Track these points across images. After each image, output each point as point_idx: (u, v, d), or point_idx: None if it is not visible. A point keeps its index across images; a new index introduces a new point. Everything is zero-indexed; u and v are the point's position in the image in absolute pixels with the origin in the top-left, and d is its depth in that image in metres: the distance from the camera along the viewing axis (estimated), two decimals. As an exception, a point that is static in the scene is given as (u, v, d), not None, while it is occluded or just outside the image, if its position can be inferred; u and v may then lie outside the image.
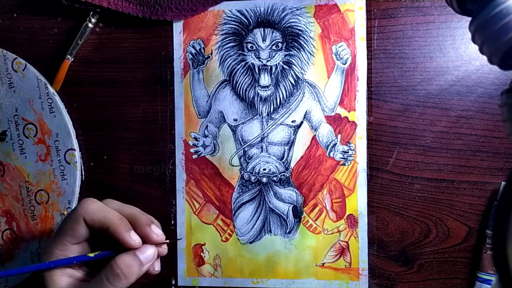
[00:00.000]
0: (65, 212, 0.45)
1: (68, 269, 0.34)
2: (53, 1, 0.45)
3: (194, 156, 0.44)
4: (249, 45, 0.43)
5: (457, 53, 0.41)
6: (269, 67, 0.43)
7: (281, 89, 0.43)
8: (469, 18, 0.26)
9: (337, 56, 0.42)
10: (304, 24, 0.43)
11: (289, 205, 0.43)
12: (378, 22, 0.42)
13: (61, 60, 0.44)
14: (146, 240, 0.33)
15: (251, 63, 0.43)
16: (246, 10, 0.43)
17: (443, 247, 0.42)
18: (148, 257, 0.33)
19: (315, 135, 0.43)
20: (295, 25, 0.43)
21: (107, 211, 0.33)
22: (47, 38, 0.46)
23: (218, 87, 0.44)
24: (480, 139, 0.41)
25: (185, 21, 0.44)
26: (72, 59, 0.44)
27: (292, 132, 0.43)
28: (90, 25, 0.44)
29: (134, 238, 0.33)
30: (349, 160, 0.42)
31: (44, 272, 0.34)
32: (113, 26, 0.45)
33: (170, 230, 0.44)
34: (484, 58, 0.25)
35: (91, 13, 0.43)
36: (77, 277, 0.34)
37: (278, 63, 0.43)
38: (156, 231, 0.34)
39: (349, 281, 0.42)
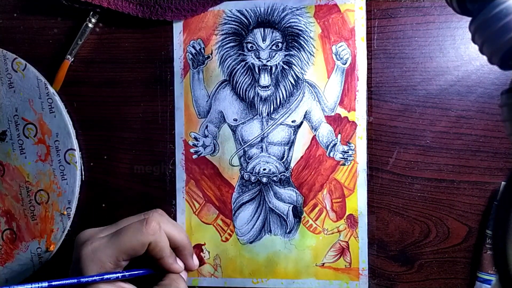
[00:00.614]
0: (65, 212, 0.45)
1: (120, 283, 0.34)
2: (53, 1, 0.45)
3: (194, 156, 0.44)
4: (249, 45, 0.43)
5: (457, 53, 0.41)
6: (269, 67, 0.43)
7: (281, 89, 0.43)
8: (469, 18, 0.26)
9: (337, 56, 0.42)
10: (304, 24, 0.43)
11: (289, 205, 0.43)
12: (378, 22, 0.42)
13: (61, 60, 0.44)
14: (186, 267, 0.38)
15: (251, 63, 0.43)
16: (246, 10, 0.43)
17: (443, 247, 0.42)
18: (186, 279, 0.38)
19: (315, 135, 0.43)
20: (295, 25, 0.43)
21: (165, 243, 0.35)
22: (47, 38, 0.46)
23: (218, 87, 0.44)
24: (480, 139, 0.41)
25: (185, 21, 0.44)
26: (72, 59, 0.44)
27: (292, 132, 0.43)
28: (90, 25, 0.44)
29: (181, 266, 0.37)
30: (349, 160, 0.42)
31: (90, 284, 0.33)
32: (113, 26, 0.45)
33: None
34: (484, 58, 0.25)
35: (91, 13, 0.43)
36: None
37: (278, 63, 0.43)
38: (196, 262, 0.40)
39: (349, 281, 0.42)
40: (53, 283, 0.32)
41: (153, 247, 0.34)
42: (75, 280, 0.32)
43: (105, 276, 0.33)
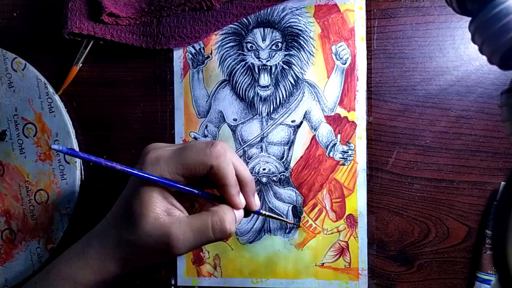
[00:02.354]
0: (65, 212, 0.45)
1: (171, 196, 0.34)
2: (53, 0, 0.45)
3: (194, 156, 0.44)
4: (249, 45, 0.43)
5: (457, 53, 0.41)
6: (268, 67, 0.43)
7: (280, 89, 0.43)
8: (469, 18, 0.26)
9: (337, 56, 0.42)
10: (304, 24, 0.43)
11: (289, 205, 0.43)
12: (378, 22, 0.42)
13: (61, 59, 0.44)
14: (247, 205, 0.37)
15: (251, 63, 0.43)
16: (246, 10, 0.43)
17: (443, 247, 0.42)
18: (239, 220, 0.36)
19: (315, 135, 0.43)
20: (295, 25, 0.43)
21: (231, 169, 0.34)
22: (47, 37, 0.45)
23: (217, 87, 0.44)
24: (479, 139, 0.41)
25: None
26: (81, 65, 0.44)
27: (292, 132, 0.43)
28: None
29: (241, 202, 0.36)
30: (349, 160, 0.42)
31: (143, 185, 0.33)
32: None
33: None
34: (484, 58, 0.25)
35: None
36: (175, 205, 0.34)
37: (278, 63, 0.43)
38: (257, 202, 0.38)
39: (349, 281, 0.42)
40: (118, 167, 0.32)
41: (216, 171, 0.33)
42: (137, 172, 0.32)
43: (163, 180, 0.32)
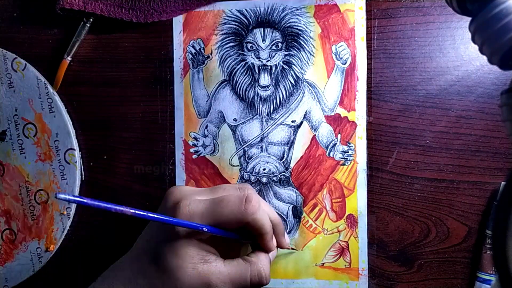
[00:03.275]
0: (65, 212, 0.45)
1: (206, 244, 0.33)
2: (53, 0, 0.45)
3: (194, 156, 0.44)
4: (249, 45, 0.43)
5: (457, 53, 0.41)
6: (269, 67, 0.43)
7: (281, 89, 0.43)
8: (469, 18, 0.26)
9: (337, 56, 0.42)
10: (304, 24, 0.43)
11: (289, 205, 0.43)
12: (378, 22, 0.42)
13: (61, 59, 0.44)
14: (278, 245, 0.38)
15: (251, 63, 0.43)
16: (246, 10, 0.43)
17: (443, 247, 0.42)
18: (272, 260, 0.37)
19: (315, 135, 0.43)
20: (295, 25, 0.43)
21: (266, 219, 0.34)
22: (47, 37, 0.46)
23: (218, 87, 0.44)
24: (480, 139, 0.41)
25: (185, 21, 0.44)
26: (71, 59, 0.44)
27: (292, 132, 0.43)
28: (87, 24, 0.44)
29: (274, 245, 0.37)
30: (349, 160, 0.42)
31: (176, 237, 0.32)
32: (113, 26, 0.45)
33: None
34: (484, 58, 0.25)
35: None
36: (210, 252, 0.33)
37: (278, 63, 0.43)
38: (287, 241, 0.40)
39: (349, 281, 0.42)
40: (152, 215, 0.29)
41: (252, 226, 0.33)
42: (176, 220, 0.31)
43: (202, 228, 0.31)
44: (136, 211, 0.29)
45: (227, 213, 0.33)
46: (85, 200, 0.27)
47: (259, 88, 0.43)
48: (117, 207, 0.28)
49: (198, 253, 0.32)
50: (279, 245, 0.39)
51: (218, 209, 0.33)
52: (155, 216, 0.30)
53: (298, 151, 0.43)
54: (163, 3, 0.42)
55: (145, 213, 0.29)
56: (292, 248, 0.42)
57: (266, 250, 0.36)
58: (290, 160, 0.43)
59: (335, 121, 0.43)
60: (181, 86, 0.44)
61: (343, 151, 0.42)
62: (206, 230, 0.32)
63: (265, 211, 0.35)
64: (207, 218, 0.32)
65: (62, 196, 0.25)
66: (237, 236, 0.35)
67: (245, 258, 0.35)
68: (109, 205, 0.28)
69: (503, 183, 0.41)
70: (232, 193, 0.34)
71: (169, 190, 0.35)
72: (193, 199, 0.33)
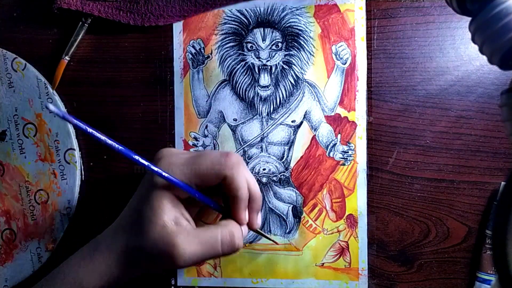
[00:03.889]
0: (65, 212, 0.45)
1: (181, 206, 0.33)
2: (52, 0, 0.45)
3: (194, 156, 0.44)
4: (249, 45, 0.43)
5: (457, 53, 0.41)
6: (269, 67, 0.43)
7: (281, 89, 0.43)
8: (469, 18, 0.26)
9: (337, 56, 0.42)
10: (304, 24, 0.43)
11: (289, 205, 0.43)
12: (378, 22, 0.42)
13: (61, 59, 0.44)
14: (248, 222, 0.36)
15: (251, 63, 0.43)
16: (246, 10, 0.43)
17: (443, 247, 0.42)
18: (245, 236, 0.36)
19: (315, 135, 0.43)
20: (295, 25, 0.43)
21: (243, 182, 0.34)
22: (47, 37, 0.46)
23: (218, 87, 0.44)
24: (480, 139, 0.41)
25: (185, 21, 0.44)
26: (69, 59, 0.44)
27: (292, 132, 0.43)
28: (85, 24, 0.44)
29: (246, 218, 0.35)
30: (349, 160, 0.42)
31: (155, 189, 0.32)
32: (113, 26, 0.45)
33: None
34: (484, 58, 0.25)
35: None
36: (184, 215, 0.33)
37: (278, 63, 0.43)
38: (259, 221, 0.38)
39: (349, 281, 0.42)
40: (135, 156, 0.31)
41: (229, 182, 0.33)
42: (152, 166, 0.31)
43: (177, 181, 0.31)
44: (121, 146, 0.30)
45: (206, 164, 0.33)
46: (75, 121, 0.29)
47: (259, 88, 0.43)
48: (103, 137, 0.30)
49: (171, 211, 0.32)
50: (250, 223, 0.36)
51: (198, 161, 0.33)
52: (139, 159, 0.31)
53: (298, 151, 0.43)
54: (160, 8, 0.43)
55: (129, 152, 0.31)
56: (266, 237, 0.41)
57: (237, 220, 0.35)
58: (290, 160, 0.43)
59: (335, 121, 0.43)
60: (181, 86, 0.44)
61: (343, 151, 0.42)
62: (179, 183, 0.32)
63: (245, 176, 0.34)
64: (187, 168, 0.32)
65: (52, 108, 0.27)
66: (211, 203, 0.35)
67: (216, 223, 0.35)
68: (112, 143, 0.30)
69: (503, 183, 0.41)
70: (215, 151, 0.35)
71: (159, 151, 0.36)
72: (177, 154, 0.34)
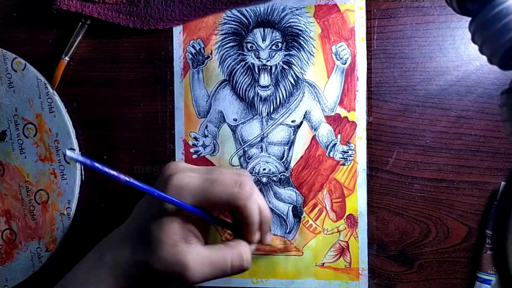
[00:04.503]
0: (65, 212, 0.45)
1: (190, 224, 0.33)
2: (52, 1, 0.45)
3: (194, 156, 0.44)
4: (249, 45, 0.43)
5: (457, 53, 0.41)
6: (269, 67, 0.43)
7: (281, 89, 0.43)
8: (469, 18, 0.26)
9: (337, 56, 0.42)
10: (304, 24, 0.43)
11: (289, 205, 0.43)
12: (378, 22, 0.42)
13: (61, 59, 0.44)
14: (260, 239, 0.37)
15: (251, 63, 0.43)
16: (246, 10, 0.43)
17: (443, 247, 0.42)
18: (252, 252, 0.36)
19: (315, 135, 0.43)
20: (295, 25, 0.43)
21: (256, 209, 0.34)
22: (47, 37, 0.46)
23: (218, 87, 0.44)
24: (480, 139, 0.41)
25: (184, 21, 0.44)
26: (69, 59, 0.44)
27: (292, 132, 0.43)
28: (85, 24, 0.44)
29: (257, 239, 0.36)
30: (349, 160, 0.42)
31: (163, 212, 0.32)
32: (113, 26, 0.45)
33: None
34: (484, 58, 0.25)
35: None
36: (194, 233, 0.33)
37: (278, 63, 0.43)
38: (270, 238, 0.38)
39: (349, 281, 0.42)
40: (134, 182, 0.30)
41: (241, 212, 0.33)
42: (155, 192, 0.30)
43: (187, 206, 0.31)
44: (131, 180, 0.30)
45: (219, 193, 0.32)
46: (96, 166, 0.29)
47: (259, 88, 0.43)
48: (130, 180, 0.30)
49: (181, 231, 0.32)
50: (261, 240, 0.37)
51: (211, 187, 0.32)
52: (147, 188, 0.31)
53: (298, 151, 0.43)
54: (160, 12, 0.43)
55: (138, 183, 0.30)
56: (277, 248, 0.42)
57: (248, 241, 0.35)
58: (290, 160, 0.43)
59: (335, 121, 0.43)
60: (181, 86, 0.44)
61: (343, 151, 0.42)
62: (189, 208, 0.32)
63: (257, 202, 0.34)
64: (199, 194, 0.32)
65: (70, 154, 0.27)
66: (224, 224, 0.35)
67: (225, 243, 0.35)
68: (119, 175, 0.30)
69: (503, 183, 0.41)
70: (229, 176, 0.34)
71: (167, 164, 0.35)
72: (187, 174, 0.33)
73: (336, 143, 0.43)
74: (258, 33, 0.43)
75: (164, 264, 0.31)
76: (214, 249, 0.33)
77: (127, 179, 0.30)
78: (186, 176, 0.33)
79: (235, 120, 0.44)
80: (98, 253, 0.35)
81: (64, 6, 0.42)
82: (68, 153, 0.26)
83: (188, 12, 0.42)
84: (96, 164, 0.28)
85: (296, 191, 0.43)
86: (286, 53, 0.43)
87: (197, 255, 0.32)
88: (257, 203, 0.34)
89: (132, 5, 0.43)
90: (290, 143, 0.43)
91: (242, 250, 0.34)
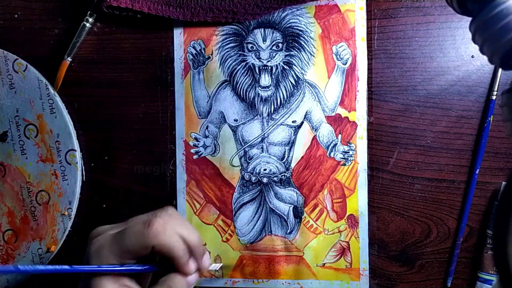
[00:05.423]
0: (66, 213, 0.45)
1: (123, 278, 0.33)
2: (53, 1, 0.45)
3: (195, 157, 0.44)
4: (250, 45, 0.43)
5: (458, 53, 0.41)
6: (269, 68, 0.43)
7: (281, 89, 0.43)
8: (470, 18, 0.26)
9: (338, 56, 0.42)
10: (304, 25, 0.43)
11: (290, 205, 0.43)
12: (379, 22, 0.42)
13: (61, 60, 0.44)
14: (199, 267, 0.36)
15: (252, 63, 0.43)
16: (246, 10, 0.43)
17: (444, 247, 0.42)
18: (192, 283, 0.35)
19: (316, 135, 0.43)
20: (296, 26, 0.43)
21: (175, 242, 0.33)
22: (48, 38, 0.46)
23: (218, 87, 0.44)
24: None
25: (185, 21, 0.44)
26: (71, 60, 0.44)
27: (293, 132, 0.43)
28: (87, 25, 0.44)
29: (192, 268, 0.35)
30: (350, 160, 0.42)
31: (93, 277, 0.32)
32: (114, 27, 0.45)
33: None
34: (485, 58, 0.25)
35: (88, 12, 0.43)
36: (128, 285, 0.33)
37: (279, 63, 0.43)
38: (207, 262, 0.37)
39: (350, 281, 0.42)
40: (49, 267, 0.31)
41: (159, 249, 0.33)
42: (69, 268, 0.31)
43: (103, 268, 0.32)
44: (71, 268, 0.31)
45: (129, 240, 0.32)
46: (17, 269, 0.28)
47: (260, 88, 0.43)
48: (54, 267, 0.30)
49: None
50: (200, 268, 0.36)
51: (122, 238, 0.32)
52: (87, 268, 0.31)
53: (298, 152, 0.43)
54: (210, 1, 0.42)
55: (80, 268, 0.31)
56: (221, 273, 0.42)
57: (184, 273, 0.35)
58: (291, 161, 0.43)
59: (336, 121, 0.43)
60: (182, 87, 0.44)
61: (343, 151, 0.42)
62: (112, 271, 0.32)
63: (175, 233, 0.33)
64: (114, 248, 0.32)
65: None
66: (149, 269, 0.35)
67: (158, 283, 0.34)
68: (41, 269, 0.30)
69: (504, 183, 0.41)
70: (139, 221, 0.34)
71: (91, 232, 0.35)
72: (105, 234, 0.34)
73: (336, 143, 0.43)
74: (258, 33, 0.43)
75: None
76: None
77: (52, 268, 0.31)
78: (102, 237, 0.33)
79: (235, 120, 0.44)
80: None
81: (114, 2, 0.41)
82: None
83: (238, 1, 0.41)
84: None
85: (297, 191, 0.43)
86: (287, 53, 0.43)
87: None
88: (175, 235, 0.33)
89: None
90: (291, 144, 0.43)
91: (171, 284, 0.34)
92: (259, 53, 0.43)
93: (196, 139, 0.44)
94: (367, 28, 0.42)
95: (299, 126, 0.43)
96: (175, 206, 0.44)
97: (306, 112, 0.43)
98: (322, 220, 0.43)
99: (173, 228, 0.34)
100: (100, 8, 0.42)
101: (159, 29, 0.44)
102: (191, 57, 0.44)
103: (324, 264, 0.43)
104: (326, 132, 0.43)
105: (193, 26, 0.44)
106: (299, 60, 0.43)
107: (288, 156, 0.43)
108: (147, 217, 0.34)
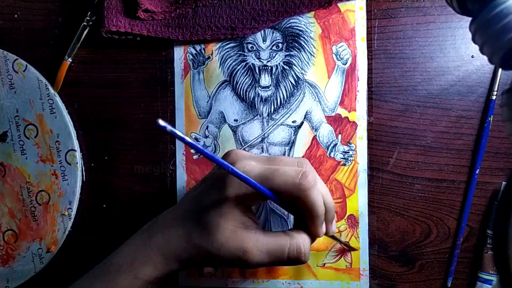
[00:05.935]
0: (66, 213, 0.45)
1: (250, 213, 0.33)
2: (53, 1, 0.45)
3: (195, 157, 0.44)
4: (250, 45, 0.43)
5: (458, 53, 0.41)
6: (269, 68, 0.43)
7: (281, 90, 0.43)
8: (470, 18, 0.26)
9: (338, 56, 0.42)
10: (304, 25, 0.43)
11: (290, 205, 0.43)
12: (379, 22, 0.42)
13: (62, 61, 0.44)
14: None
15: (252, 63, 0.43)
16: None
17: (444, 247, 0.42)
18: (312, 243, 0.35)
19: (316, 135, 0.43)
20: (295, 26, 0.43)
21: (319, 201, 0.32)
22: (48, 39, 0.46)
23: (218, 87, 0.44)
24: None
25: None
26: (71, 60, 0.44)
27: (293, 132, 0.43)
28: (87, 26, 0.44)
29: (322, 231, 0.34)
30: (350, 161, 0.42)
31: (225, 200, 0.31)
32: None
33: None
34: (485, 58, 0.25)
35: (89, 13, 0.43)
36: (254, 220, 0.33)
37: (279, 63, 0.43)
38: (334, 228, 0.37)
39: (350, 282, 0.42)
40: (229, 167, 0.29)
41: (303, 203, 0.32)
42: (229, 166, 0.29)
43: (253, 182, 0.30)
44: (215, 156, 0.29)
45: (280, 183, 0.31)
46: (184, 138, 0.28)
47: (260, 88, 0.43)
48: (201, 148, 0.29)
49: (241, 218, 0.32)
50: (325, 232, 0.35)
51: (272, 176, 0.31)
52: (229, 166, 0.30)
53: (298, 152, 0.43)
54: (208, 19, 0.42)
55: (219, 159, 0.29)
56: (339, 241, 0.41)
57: (314, 234, 0.34)
58: (291, 161, 0.43)
59: (336, 121, 0.43)
60: (182, 87, 0.44)
61: (343, 152, 0.42)
62: (263, 191, 0.31)
63: (320, 192, 0.33)
64: (259, 182, 0.31)
65: (161, 123, 0.26)
66: (287, 207, 0.34)
67: (286, 232, 0.34)
68: (207, 152, 0.28)
69: (504, 183, 0.41)
70: (290, 165, 0.33)
71: (227, 153, 0.35)
72: (248, 162, 0.33)
73: (336, 144, 0.43)
74: (258, 33, 0.43)
75: (223, 248, 0.32)
76: (273, 237, 0.33)
77: (213, 156, 0.29)
78: (247, 164, 0.32)
79: (235, 120, 0.44)
80: (147, 234, 0.34)
81: (113, 27, 0.42)
82: (161, 122, 0.26)
83: (235, 16, 0.42)
84: (187, 139, 0.28)
85: (297, 191, 0.43)
86: (287, 53, 0.43)
87: (256, 242, 0.32)
88: (320, 194, 0.32)
89: (181, 17, 0.42)
90: (291, 144, 0.43)
91: (301, 243, 0.33)
92: (259, 53, 0.43)
93: (196, 139, 0.44)
94: (367, 28, 0.42)
95: (299, 126, 0.43)
96: (175, 206, 0.44)
97: (306, 112, 0.43)
98: (322, 220, 0.43)
99: (320, 186, 0.33)
100: (100, 30, 0.42)
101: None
102: (191, 57, 0.44)
103: (324, 264, 0.43)
104: (326, 132, 0.43)
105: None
106: (299, 60, 0.43)
107: (288, 156, 0.43)
108: (294, 163, 0.33)
